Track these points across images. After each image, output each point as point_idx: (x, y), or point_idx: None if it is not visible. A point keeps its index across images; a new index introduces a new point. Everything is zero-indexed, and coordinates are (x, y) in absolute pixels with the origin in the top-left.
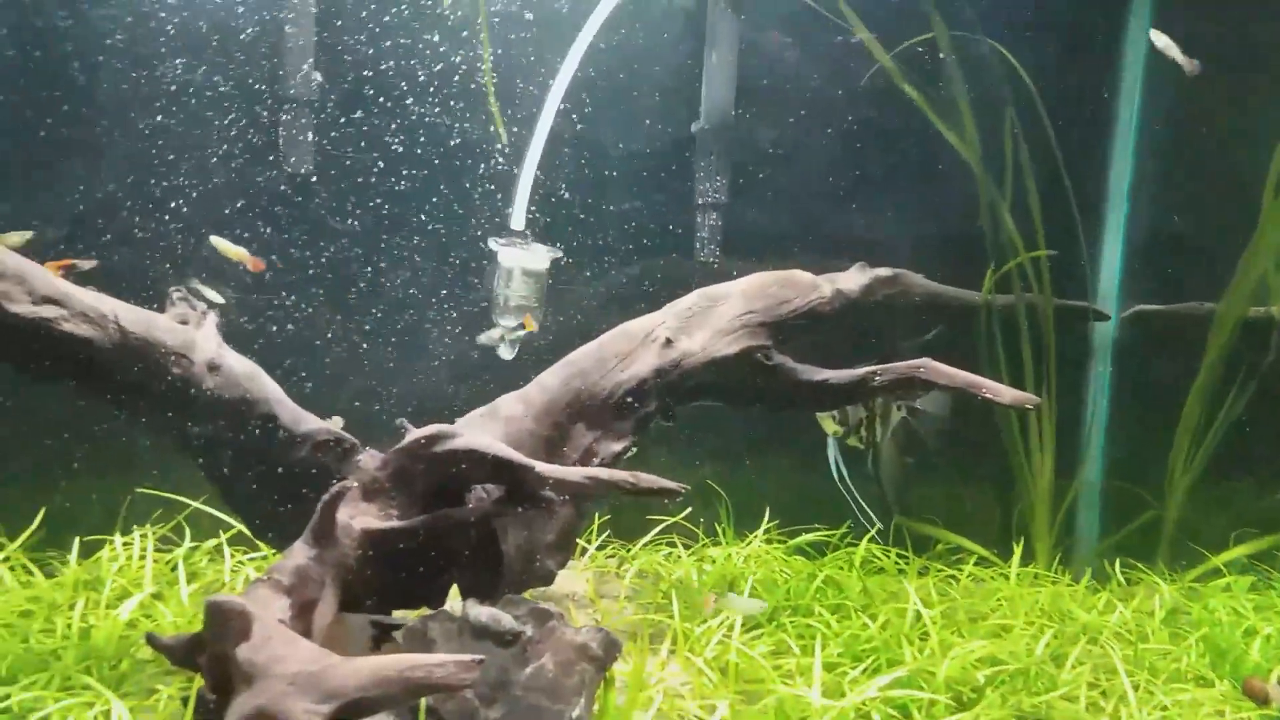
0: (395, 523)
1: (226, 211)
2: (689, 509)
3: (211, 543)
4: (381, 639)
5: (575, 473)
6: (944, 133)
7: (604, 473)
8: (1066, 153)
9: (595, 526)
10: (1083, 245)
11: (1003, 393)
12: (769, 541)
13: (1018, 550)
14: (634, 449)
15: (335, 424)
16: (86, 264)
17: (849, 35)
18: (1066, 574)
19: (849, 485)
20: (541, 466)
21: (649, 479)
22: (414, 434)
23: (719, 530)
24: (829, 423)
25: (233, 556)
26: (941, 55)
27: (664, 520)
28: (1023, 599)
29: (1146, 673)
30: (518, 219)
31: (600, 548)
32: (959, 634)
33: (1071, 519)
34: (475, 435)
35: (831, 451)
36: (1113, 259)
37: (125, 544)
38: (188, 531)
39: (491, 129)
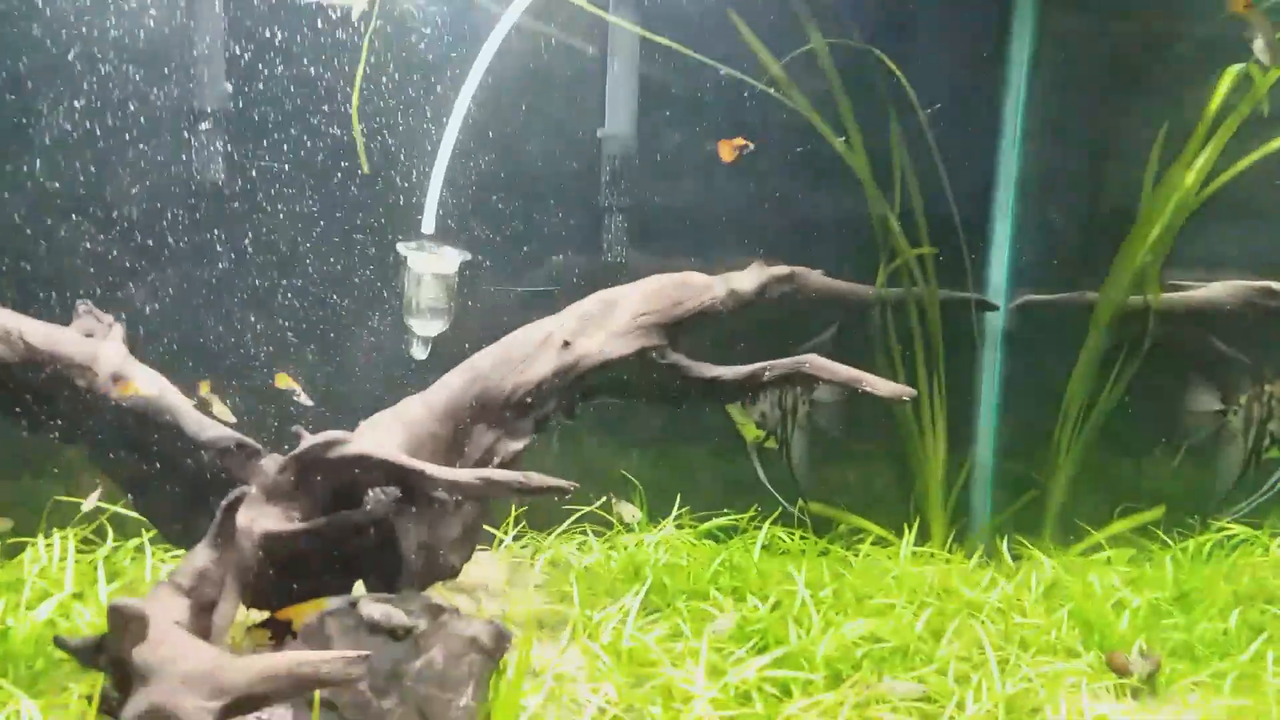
0: (295, 525)
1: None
2: (604, 498)
3: (134, 542)
4: None
5: (466, 474)
6: (832, 142)
7: (495, 473)
8: (955, 155)
9: (512, 518)
10: (963, 241)
11: (880, 386)
12: (680, 527)
13: (909, 530)
14: (533, 445)
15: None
16: None
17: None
18: (960, 552)
19: (767, 483)
20: (432, 469)
21: (539, 478)
22: (308, 440)
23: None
24: (750, 429)
25: (154, 555)
26: (820, 64)
27: (579, 510)
28: (910, 578)
29: (1018, 646)
30: (427, 224)
31: (516, 538)
32: (845, 613)
33: (965, 499)
34: (368, 441)
35: (754, 456)
36: (1001, 254)
37: (48, 545)
38: (109, 532)
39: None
